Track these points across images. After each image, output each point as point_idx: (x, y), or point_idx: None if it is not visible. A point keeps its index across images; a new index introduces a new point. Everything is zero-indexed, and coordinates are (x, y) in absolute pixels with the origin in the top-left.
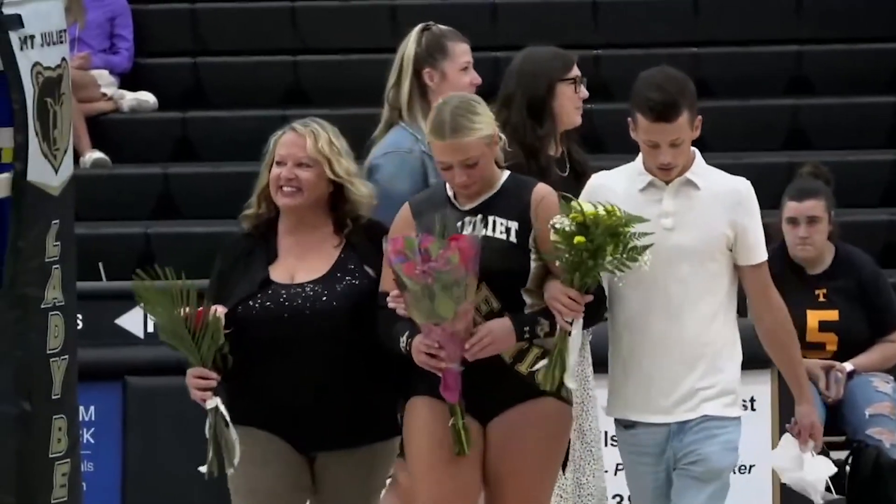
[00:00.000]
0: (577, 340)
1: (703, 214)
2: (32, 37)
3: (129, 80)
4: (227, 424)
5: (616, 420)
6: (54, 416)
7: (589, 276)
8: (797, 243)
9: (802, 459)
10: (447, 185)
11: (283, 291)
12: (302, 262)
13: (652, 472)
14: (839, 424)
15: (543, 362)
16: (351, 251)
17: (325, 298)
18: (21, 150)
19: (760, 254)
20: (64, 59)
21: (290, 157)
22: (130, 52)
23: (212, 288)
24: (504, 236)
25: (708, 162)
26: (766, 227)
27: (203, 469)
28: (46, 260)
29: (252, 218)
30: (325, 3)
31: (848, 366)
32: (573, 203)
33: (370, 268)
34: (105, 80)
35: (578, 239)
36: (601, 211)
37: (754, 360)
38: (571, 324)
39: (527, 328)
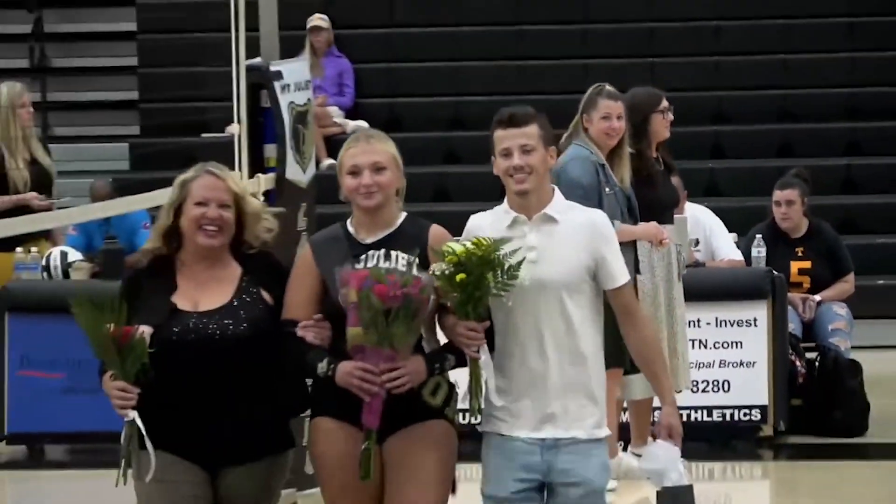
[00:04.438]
0: (489, 364)
1: (564, 247)
2: (289, 85)
3: (351, 113)
4: (142, 438)
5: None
6: None
7: (480, 306)
8: (780, 217)
9: (656, 454)
10: (348, 222)
11: (189, 318)
12: (204, 292)
13: (517, 477)
14: (812, 336)
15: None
16: (249, 279)
17: (229, 324)
18: (281, 159)
19: (621, 277)
20: (309, 99)
21: (214, 199)
22: (352, 95)
23: None
24: (406, 269)
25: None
26: (762, 208)
27: (118, 475)
28: (297, 229)
29: (150, 253)
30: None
31: (817, 297)
32: (444, 247)
33: (267, 293)
34: (336, 114)
35: (460, 277)
36: (469, 246)
37: (755, 292)
38: (478, 351)
39: (437, 365)
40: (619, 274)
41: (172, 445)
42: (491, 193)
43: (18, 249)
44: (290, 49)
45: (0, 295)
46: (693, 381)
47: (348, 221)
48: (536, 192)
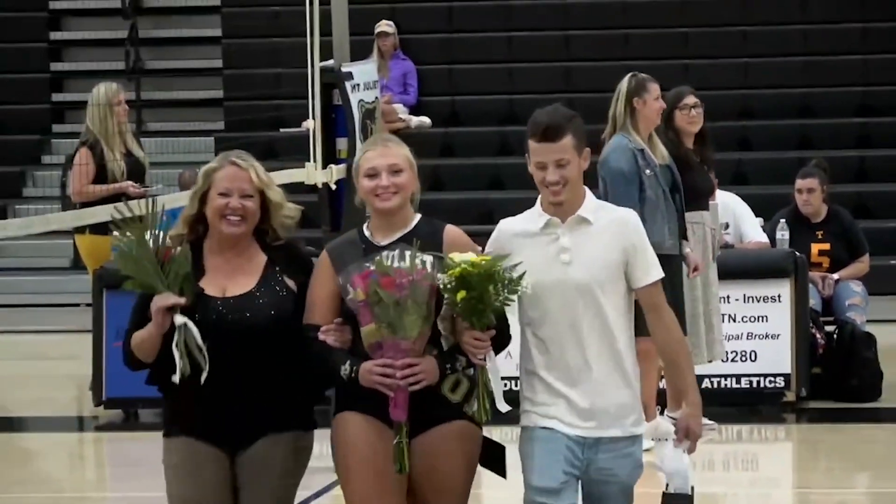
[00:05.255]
0: (496, 369)
1: (597, 247)
2: (358, 84)
3: (414, 110)
4: (195, 335)
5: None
6: None
7: (484, 317)
8: (802, 203)
9: (663, 456)
10: (365, 226)
11: (217, 303)
12: (231, 278)
13: (564, 469)
14: (831, 311)
15: (475, 405)
16: (273, 267)
17: (254, 310)
18: (352, 151)
19: (652, 274)
20: (377, 97)
21: (236, 190)
22: (415, 93)
23: (141, 302)
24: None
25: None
26: (785, 195)
27: (175, 378)
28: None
29: (176, 240)
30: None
31: (835, 276)
32: (447, 260)
33: (290, 280)
34: (401, 110)
35: (461, 294)
36: (467, 266)
37: (779, 271)
38: (484, 359)
39: (448, 365)
40: (650, 271)
41: (196, 427)
42: None
43: (115, 233)
44: (359, 52)
45: (99, 274)
46: None
47: (365, 226)
48: (570, 199)
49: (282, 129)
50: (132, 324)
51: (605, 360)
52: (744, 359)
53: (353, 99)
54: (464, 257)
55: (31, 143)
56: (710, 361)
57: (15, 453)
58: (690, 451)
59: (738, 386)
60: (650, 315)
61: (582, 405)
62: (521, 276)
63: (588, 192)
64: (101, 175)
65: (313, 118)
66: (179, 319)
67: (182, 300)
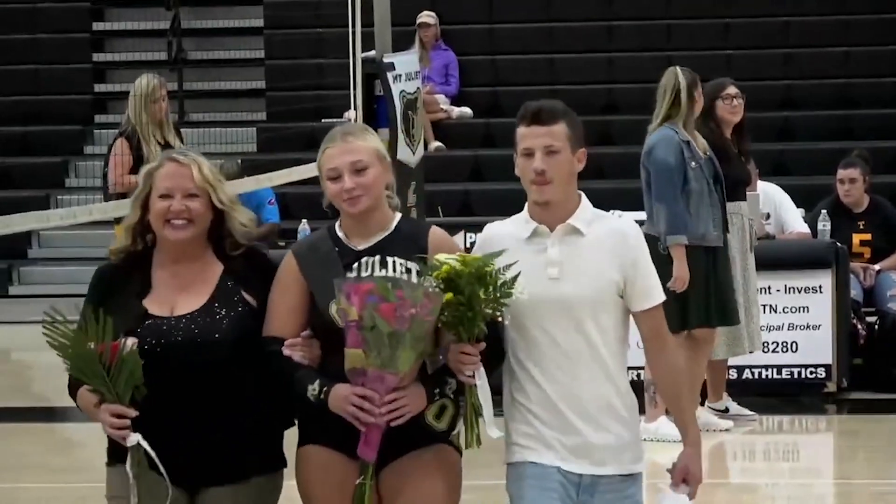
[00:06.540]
0: (486, 388)
1: (590, 262)
2: (400, 75)
3: (456, 100)
4: (150, 459)
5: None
6: None
7: (474, 327)
8: (843, 194)
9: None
10: (337, 226)
11: (163, 324)
12: (181, 294)
13: (556, 499)
14: (872, 301)
15: (461, 427)
16: (230, 279)
17: (206, 330)
18: (393, 142)
19: (654, 297)
20: (418, 88)
21: (178, 189)
22: (457, 84)
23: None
24: (405, 277)
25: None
26: (826, 185)
27: None
28: (408, 205)
29: (121, 252)
30: None
31: (877, 266)
32: (433, 261)
33: (249, 295)
34: (442, 101)
35: (447, 296)
36: (455, 263)
37: (820, 262)
38: (474, 376)
39: (437, 390)
40: (651, 293)
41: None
42: (583, 173)
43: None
44: (401, 43)
45: None
46: (764, 343)
47: (337, 225)
48: (560, 202)
49: (323, 120)
50: None
51: (596, 390)
52: (785, 349)
53: (395, 89)
54: (452, 256)
55: (73, 133)
56: (750, 352)
57: (57, 442)
58: (691, 496)
59: (778, 376)
60: (650, 344)
61: (571, 435)
62: (514, 279)
63: (584, 199)
64: (139, 165)
65: (355, 108)
66: (133, 439)
67: (133, 413)
